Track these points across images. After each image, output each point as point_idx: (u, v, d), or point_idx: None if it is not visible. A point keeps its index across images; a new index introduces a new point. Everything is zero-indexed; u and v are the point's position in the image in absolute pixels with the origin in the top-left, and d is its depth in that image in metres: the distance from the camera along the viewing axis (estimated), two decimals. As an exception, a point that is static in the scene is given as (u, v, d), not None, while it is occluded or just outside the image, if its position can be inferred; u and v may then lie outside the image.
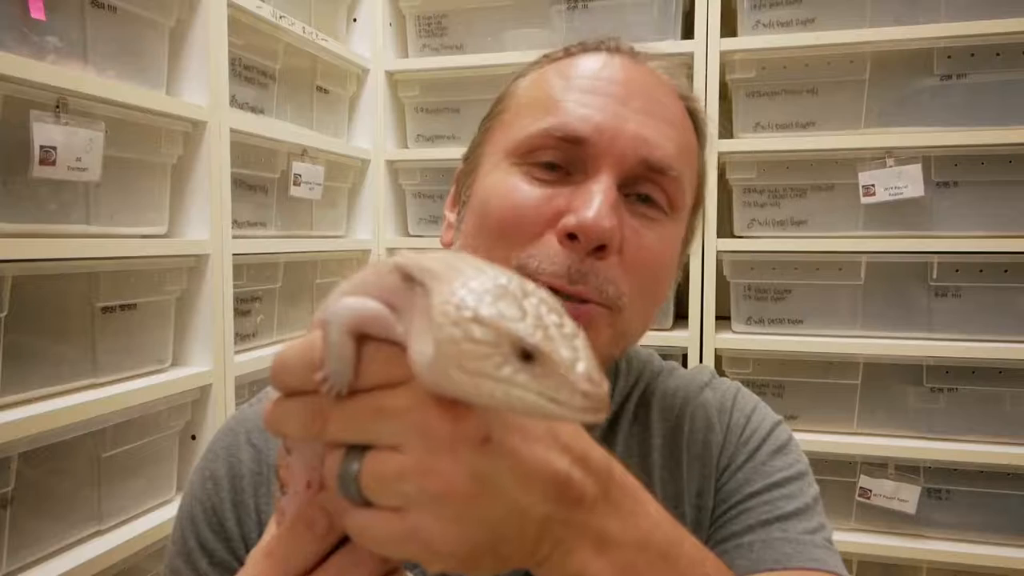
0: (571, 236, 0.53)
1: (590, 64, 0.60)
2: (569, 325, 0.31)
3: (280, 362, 0.36)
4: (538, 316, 0.30)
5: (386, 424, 0.33)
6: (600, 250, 0.54)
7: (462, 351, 0.30)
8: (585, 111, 0.57)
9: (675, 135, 0.59)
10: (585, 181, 0.56)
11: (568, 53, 0.63)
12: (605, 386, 0.30)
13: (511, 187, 0.57)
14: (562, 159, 0.57)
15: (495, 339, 0.30)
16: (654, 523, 0.40)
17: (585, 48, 0.63)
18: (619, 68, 0.60)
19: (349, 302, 0.34)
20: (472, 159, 0.65)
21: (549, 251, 0.54)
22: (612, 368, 0.68)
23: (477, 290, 0.31)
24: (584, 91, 0.58)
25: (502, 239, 0.56)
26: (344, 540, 0.38)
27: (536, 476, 0.34)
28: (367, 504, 0.34)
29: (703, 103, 0.65)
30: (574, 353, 0.30)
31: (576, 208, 0.54)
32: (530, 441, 0.34)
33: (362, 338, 0.34)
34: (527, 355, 0.30)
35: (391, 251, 1.86)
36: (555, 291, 0.54)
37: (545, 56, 0.65)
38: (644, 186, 0.58)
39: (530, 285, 0.32)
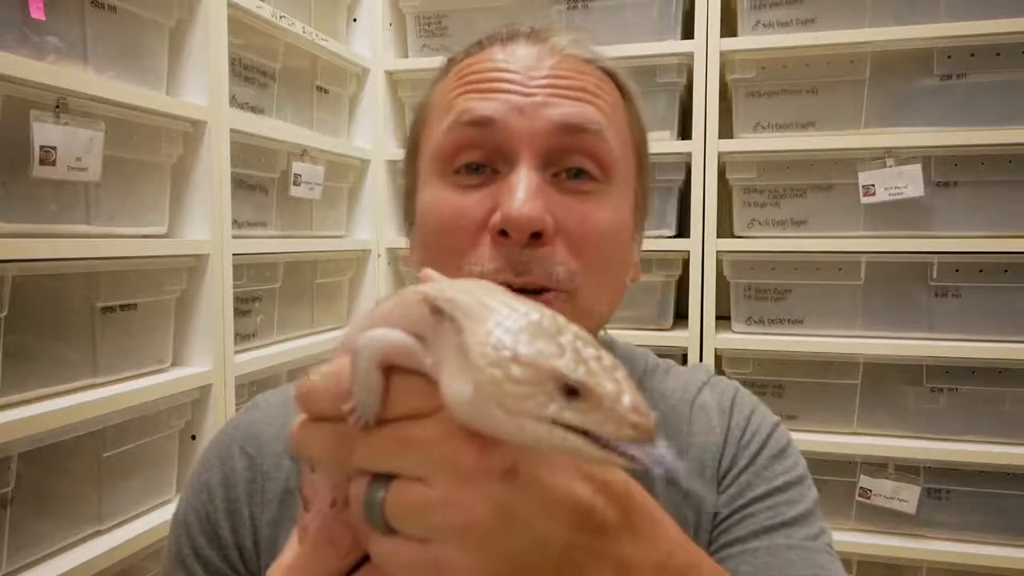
0: (503, 233, 0.54)
1: (488, 55, 0.61)
2: (607, 358, 0.31)
3: (307, 389, 0.36)
4: (576, 351, 0.30)
5: (412, 455, 0.33)
6: (536, 238, 0.54)
7: (504, 392, 0.29)
8: (488, 95, 0.57)
9: (588, 96, 0.58)
10: (508, 175, 0.56)
11: (468, 53, 0.63)
12: (652, 416, 0.30)
13: (442, 201, 0.58)
14: (483, 156, 0.57)
15: (537, 378, 0.29)
16: (673, 545, 0.40)
17: (482, 45, 0.63)
18: (518, 53, 0.60)
19: (378, 334, 0.34)
20: (409, 176, 0.65)
21: (487, 252, 0.55)
22: None
23: (513, 329, 0.31)
24: (485, 80, 0.58)
25: (445, 252, 0.57)
26: (367, 557, 0.37)
27: (559, 506, 0.34)
28: (391, 531, 0.34)
29: (616, 63, 0.64)
30: (617, 386, 0.30)
31: (501, 204, 0.54)
32: (553, 471, 0.34)
33: (389, 368, 0.34)
34: (571, 391, 0.29)
35: (391, 251, 1.86)
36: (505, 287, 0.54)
37: (450, 59, 0.65)
38: (571, 158, 0.57)
39: (561, 319, 0.32)
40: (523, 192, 0.53)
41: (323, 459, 0.37)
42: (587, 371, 0.30)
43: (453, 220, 0.57)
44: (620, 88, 0.63)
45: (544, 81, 0.57)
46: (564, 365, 0.29)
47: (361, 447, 0.34)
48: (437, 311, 0.34)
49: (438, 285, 0.35)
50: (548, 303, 0.54)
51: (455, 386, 0.31)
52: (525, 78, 0.57)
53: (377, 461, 0.34)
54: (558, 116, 0.56)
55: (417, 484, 0.33)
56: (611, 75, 0.63)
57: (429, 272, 0.40)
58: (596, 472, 0.36)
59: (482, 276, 0.54)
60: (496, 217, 0.54)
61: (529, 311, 0.32)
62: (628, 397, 0.29)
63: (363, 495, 0.34)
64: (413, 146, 0.65)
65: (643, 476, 0.40)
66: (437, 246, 0.58)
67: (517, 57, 0.59)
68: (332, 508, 0.38)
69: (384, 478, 0.34)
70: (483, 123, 0.56)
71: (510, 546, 0.33)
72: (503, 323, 0.31)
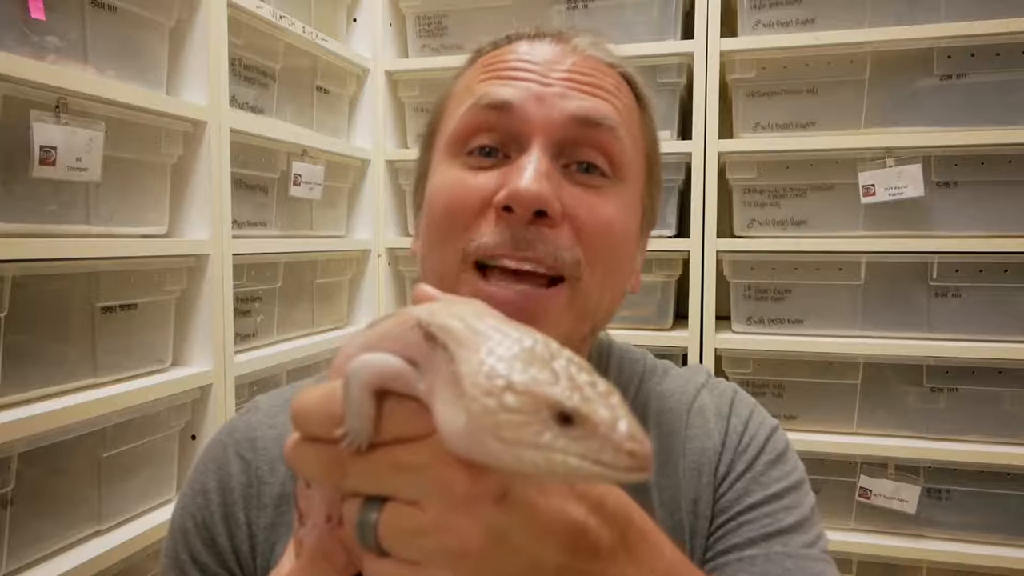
0: (507, 209, 0.54)
1: (513, 48, 0.61)
2: (602, 383, 0.31)
3: (300, 410, 0.36)
4: (570, 377, 0.30)
5: (404, 479, 0.34)
6: (542, 217, 0.54)
7: (499, 421, 0.29)
8: (508, 82, 0.58)
9: (604, 94, 0.59)
10: (519, 158, 0.56)
11: (495, 46, 0.64)
12: (648, 443, 0.29)
13: (452, 179, 0.58)
14: (497, 141, 0.57)
15: (532, 406, 0.29)
16: (669, 565, 0.40)
17: (509, 39, 0.63)
18: (541, 48, 0.60)
19: (371, 359, 0.34)
20: (422, 164, 0.65)
21: (490, 227, 0.55)
22: (600, 367, 0.66)
23: (505, 356, 0.30)
24: (508, 70, 0.59)
25: (449, 230, 0.57)
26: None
27: (552, 528, 0.34)
28: (384, 552, 0.34)
29: (635, 69, 0.64)
30: (613, 412, 0.29)
31: (508, 182, 0.54)
32: (546, 493, 0.34)
33: (382, 392, 0.34)
34: (566, 419, 0.29)
35: (391, 251, 1.86)
36: (501, 261, 0.54)
37: (477, 51, 0.66)
38: (582, 151, 0.57)
39: (554, 344, 0.32)
40: (532, 171, 0.53)
41: (317, 479, 0.37)
42: (582, 398, 0.29)
43: (459, 196, 0.57)
44: (636, 95, 0.63)
45: (564, 75, 0.58)
46: (559, 392, 0.29)
47: (354, 470, 0.34)
48: (430, 337, 0.33)
49: (432, 308, 0.35)
50: (548, 297, 0.54)
51: (449, 416, 0.31)
52: (546, 70, 0.58)
53: (370, 484, 0.34)
54: (574, 108, 0.56)
55: (410, 508, 0.33)
56: (629, 81, 0.63)
57: (425, 289, 0.40)
58: (591, 493, 0.36)
59: (480, 249, 0.54)
60: (501, 193, 0.54)
61: (521, 336, 0.32)
62: (624, 424, 0.29)
63: (356, 517, 0.34)
64: (430, 134, 0.65)
65: (641, 492, 0.40)
66: (442, 223, 0.57)
67: (541, 52, 0.60)
68: (327, 524, 0.38)
69: (377, 500, 0.34)
70: (501, 107, 0.56)
71: (503, 570, 0.33)
72: (495, 351, 0.31)
